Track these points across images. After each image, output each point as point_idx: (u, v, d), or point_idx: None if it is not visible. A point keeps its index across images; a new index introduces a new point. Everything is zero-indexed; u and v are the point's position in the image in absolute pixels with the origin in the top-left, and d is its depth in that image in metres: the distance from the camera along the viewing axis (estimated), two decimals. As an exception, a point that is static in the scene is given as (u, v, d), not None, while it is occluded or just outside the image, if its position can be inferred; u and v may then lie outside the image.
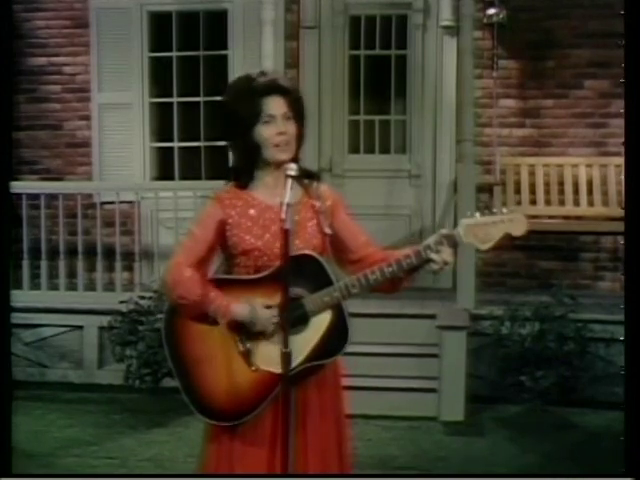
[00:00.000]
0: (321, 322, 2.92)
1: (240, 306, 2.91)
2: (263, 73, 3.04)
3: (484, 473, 5.18)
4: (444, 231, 2.95)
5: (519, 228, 2.94)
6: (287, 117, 2.96)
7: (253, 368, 2.92)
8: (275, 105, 2.95)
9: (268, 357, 2.90)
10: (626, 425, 3.24)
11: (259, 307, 2.90)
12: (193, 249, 3.00)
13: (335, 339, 2.93)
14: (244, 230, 2.98)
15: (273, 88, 2.96)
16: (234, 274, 3.02)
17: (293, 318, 2.84)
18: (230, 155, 3.12)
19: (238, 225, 2.98)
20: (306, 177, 3.02)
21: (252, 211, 3.00)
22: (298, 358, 2.87)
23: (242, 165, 3.04)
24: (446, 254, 2.90)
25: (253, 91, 2.95)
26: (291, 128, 2.97)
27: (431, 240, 2.93)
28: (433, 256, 2.90)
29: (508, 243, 3.04)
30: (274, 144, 2.95)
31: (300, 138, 3.03)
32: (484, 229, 2.92)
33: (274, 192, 2.98)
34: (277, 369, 2.83)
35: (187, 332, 2.97)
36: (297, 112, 3.00)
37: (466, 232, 2.92)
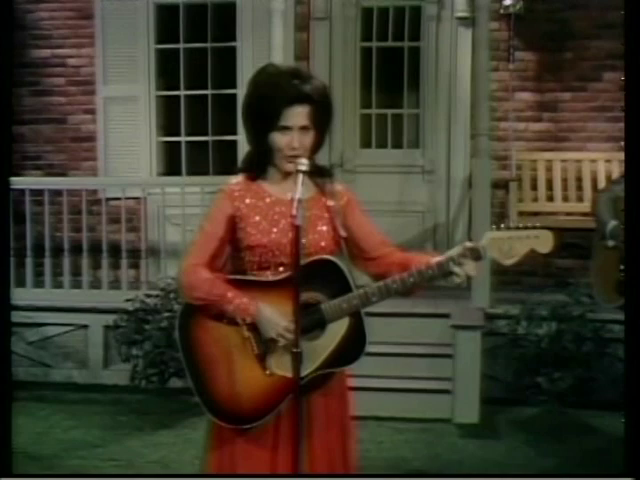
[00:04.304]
0: (338, 329, 2.88)
1: (261, 307, 2.87)
2: (296, 74, 2.93)
3: (490, 474, 5.19)
4: (468, 244, 2.92)
5: (545, 245, 2.92)
6: (305, 129, 2.90)
7: (267, 372, 2.88)
8: (295, 117, 2.87)
9: (283, 361, 2.85)
10: (626, 425, 3.22)
11: (277, 314, 2.85)
12: (205, 246, 2.96)
13: (351, 347, 2.89)
14: (251, 225, 2.94)
15: (297, 97, 2.87)
16: (239, 269, 2.98)
17: (310, 324, 2.84)
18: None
19: (246, 218, 2.94)
20: (320, 175, 3.00)
21: (261, 204, 2.96)
22: (313, 365, 2.85)
23: (255, 157, 3.00)
24: (469, 268, 2.88)
25: (276, 96, 2.87)
26: (306, 140, 2.91)
27: (454, 252, 2.90)
28: (456, 269, 2.87)
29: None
30: (284, 155, 2.90)
31: (317, 146, 2.97)
32: (509, 244, 2.89)
33: (285, 185, 2.95)
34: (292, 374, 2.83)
35: (202, 333, 2.93)
36: (319, 122, 2.92)
37: (491, 246, 2.89)
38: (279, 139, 2.88)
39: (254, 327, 2.88)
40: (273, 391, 2.86)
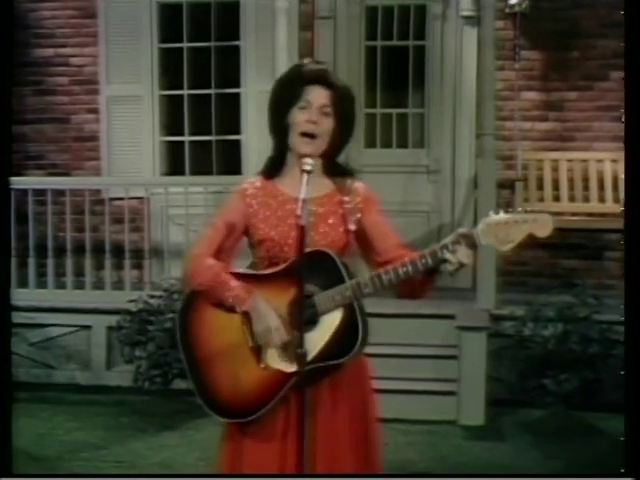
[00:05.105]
0: (331, 321, 2.84)
1: (258, 301, 2.87)
2: (319, 62, 3.07)
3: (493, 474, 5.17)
4: (462, 230, 2.83)
5: (544, 229, 2.79)
6: (325, 112, 2.94)
7: (262, 365, 2.87)
8: (316, 95, 2.93)
9: (278, 355, 2.86)
10: (626, 425, 3.20)
11: (273, 313, 2.85)
12: (213, 240, 3.00)
13: (344, 340, 2.83)
14: (261, 219, 2.97)
15: (319, 78, 2.95)
16: (253, 265, 3.03)
17: (304, 316, 2.79)
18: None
19: (256, 214, 2.98)
20: (341, 173, 3.02)
21: (272, 201, 2.99)
22: (307, 357, 2.79)
23: (275, 151, 3.03)
24: (462, 254, 2.77)
25: (298, 76, 2.97)
26: (325, 123, 2.93)
27: (448, 239, 2.81)
28: (448, 256, 2.77)
29: (530, 241, 2.86)
30: (301, 132, 2.92)
31: (337, 137, 2.98)
32: (505, 229, 2.77)
33: (299, 184, 2.91)
34: (285, 368, 2.83)
35: (200, 328, 2.95)
36: (339, 110, 2.95)
37: (486, 232, 2.78)
38: (298, 114, 2.92)
39: (249, 319, 2.90)
40: (267, 385, 2.86)
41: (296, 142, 2.93)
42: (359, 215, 2.97)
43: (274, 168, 3.03)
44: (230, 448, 3.00)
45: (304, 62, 3.06)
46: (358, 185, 3.02)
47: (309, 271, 2.76)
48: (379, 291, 2.84)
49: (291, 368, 2.80)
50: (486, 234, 2.78)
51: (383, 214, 3.05)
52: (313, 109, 2.91)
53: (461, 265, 2.78)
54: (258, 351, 2.88)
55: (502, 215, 2.79)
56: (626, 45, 3.27)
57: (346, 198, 2.96)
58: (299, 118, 2.91)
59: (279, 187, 3.00)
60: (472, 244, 2.78)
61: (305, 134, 2.91)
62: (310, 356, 2.79)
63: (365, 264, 3.01)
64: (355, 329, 2.82)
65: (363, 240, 2.99)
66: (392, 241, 2.99)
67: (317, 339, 2.81)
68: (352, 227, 2.94)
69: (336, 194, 2.99)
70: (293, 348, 2.76)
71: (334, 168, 3.02)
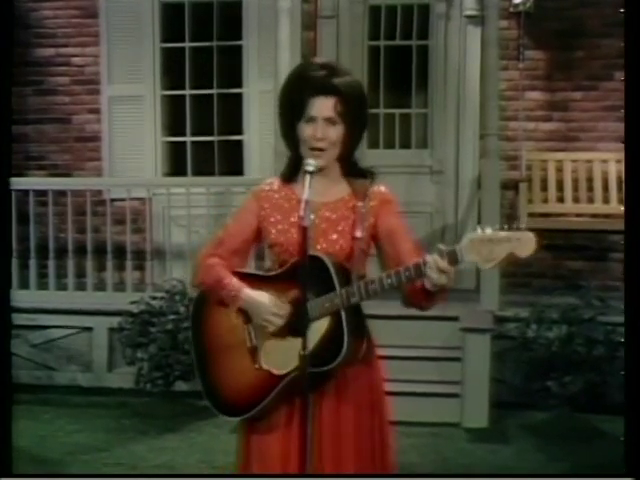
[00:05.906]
0: (319, 328, 2.84)
1: (248, 293, 2.93)
2: (325, 66, 2.95)
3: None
4: (442, 246, 2.78)
5: (526, 249, 2.74)
6: (332, 121, 2.90)
7: (257, 366, 2.93)
8: (320, 107, 2.89)
9: (271, 357, 2.91)
10: (626, 426, 3.22)
11: (266, 299, 2.90)
12: (224, 241, 3.05)
13: (329, 348, 2.83)
14: (272, 223, 2.99)
15: (323, 88, 2.89)
16: (269, 268, 3.06)
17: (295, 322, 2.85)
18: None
19: (268, 218, 3.00)
20: (360, 176, 3.00)
21: (287, 204, 3.00)
22: (293, 363, 2.81)
23: (290, 156, 3.04)
24: (433, 271, 2.71)
25: (303, 87, 2.92)
26: (333, 134, 2.90)
27: (430, 256, 2.77)
28: (429, 272, 2.74)
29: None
30: (310, 147, 2.91)
31: (348, 139, 2.94)
32: (489, 246, 2.72)
33: (314, 188, 2.89)
34: (277, 370, 2.88)
35: (210, 328, 3.03)
36: (347, 115, 2.91)
37: (470, 248, 2.74)
38: (306, 129, 2.89)
39: (245, 316, 2.94)
40: (261, 385, 2.90)
41: (307, 154, 2.90)
42: (372, 220, 2.93)
43: (291, 171, 3.02)
44: (243, 449, 3.04)
45: (307, 65, 3.03)
46: (375, 188, 2.98)
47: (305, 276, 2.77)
48: (365, 300, 2.85)
49: (281, 371, 2.86)
50: (470, 250, 2.74)
51: (400, 217, 3.01)
52: (318, 123, 2.88)
53: (434, 282, 2.74)
54: (254, 352, 2.93)
55: (487, 232, 2.74)
56: (626, 45, 3.28)
57: (360, 203, 2.93)
58: (306, 133, 2.89)
59: (295, 191, 2.99)
60: (454, 260, 2.74)
61: (314, 149, 2.90)
62: (296, 362, 2.79)
63: (380, 268, 2.98)
64: (340, 338, 2.81)
65: (377, 244, 2.97)
66: (405, 246, 2.93)
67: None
68: (359, 234, 2.91)
69: (351, 198, 2.96)
70: (285, 351, 2.82)
71: (352, 170, 2.99)
